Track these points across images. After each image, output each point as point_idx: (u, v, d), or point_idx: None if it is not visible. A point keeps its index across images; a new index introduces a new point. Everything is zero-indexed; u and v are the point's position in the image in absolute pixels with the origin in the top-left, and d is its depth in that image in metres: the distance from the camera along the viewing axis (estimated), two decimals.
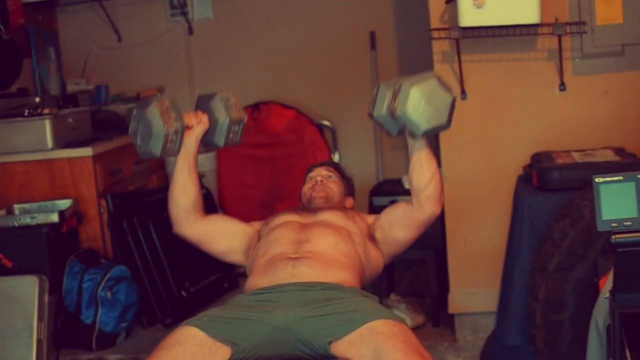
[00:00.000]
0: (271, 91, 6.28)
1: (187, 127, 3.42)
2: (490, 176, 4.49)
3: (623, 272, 2.58)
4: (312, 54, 6.31)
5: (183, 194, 3.45)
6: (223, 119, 3.48)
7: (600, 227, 2.48)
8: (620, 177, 2.47)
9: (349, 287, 3.17)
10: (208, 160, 6.15)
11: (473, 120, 4.48)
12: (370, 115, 3.26)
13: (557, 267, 3.47)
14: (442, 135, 4.53)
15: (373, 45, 6.13)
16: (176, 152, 3.39)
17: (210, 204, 5.79)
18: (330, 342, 2.92)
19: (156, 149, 3.30)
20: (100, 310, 4.95)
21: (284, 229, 3.45)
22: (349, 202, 3.79)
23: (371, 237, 3.49)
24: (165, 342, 3.00)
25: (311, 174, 3.78)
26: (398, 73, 6.10)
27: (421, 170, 3.27)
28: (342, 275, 3.22)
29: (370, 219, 3.57)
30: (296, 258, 3.25)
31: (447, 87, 3.17)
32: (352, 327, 2.92)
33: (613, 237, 2.48)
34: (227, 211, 6.16)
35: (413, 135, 3.19)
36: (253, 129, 6.20)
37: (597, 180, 2.48)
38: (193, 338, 2.97)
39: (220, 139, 3.52)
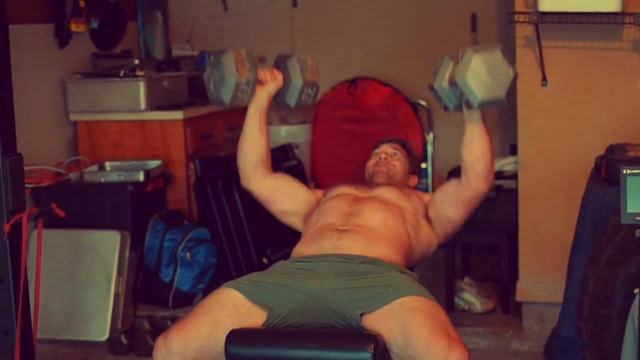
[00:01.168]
0: (369, 67, 6.30)
1: (260, 82, 3.51)
2: (566, 164, 4.46)
3: None
4: (412, 32, 6.31)
5: (252, 148, 3.56)
6: (297, 79, 3.55)
7: (624, 220, 2.45)
8: None
9: (389, 263, 3.20)
10: (303, 132, 6.23)
11: (552, 107, 4.46)
12: (431, 87, 3.27)
13: (607, 260, 3.42)
14: (520, 120, 4.53)
15: (474, 27, 6.09)
16: (246, 103, 3.48)
17: (301, 175, 5.87)
18: (361, 314, 2.95)
19: (226, 96, 3.41)
20: (179, 270, 5.09)
21: (338, 200, 3.51)
22: (413, 180, 3.81)
23: (427, 216, 3.51)
24: (205, 302, 3.09)
25: (377, 150, 3.81)
26: None
27: (472, 147, 3.30)
28: (385, 251, 3.25)
29: (427, 197, 3.60)
30: (343, 230, 3.30)
31: (510, 63, 3.16)
32: (384, 301, 2.95)
33: (638, 230, 2.45)
34: (319, 183, 6.23)
35: (469, 105, 3.18)
36: (349, 104, 6.28)
37: (624, 171, 2.45)
38: (232, 300, 3.05)
39: (291, 99, 3.60)
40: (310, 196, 3.65)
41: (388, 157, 3.74)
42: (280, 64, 3.61)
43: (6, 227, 2.91)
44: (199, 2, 6.64)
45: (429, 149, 6.19)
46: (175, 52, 6.44)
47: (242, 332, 2.95)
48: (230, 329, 2.96)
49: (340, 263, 3.15)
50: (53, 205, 3.03)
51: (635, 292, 2.64)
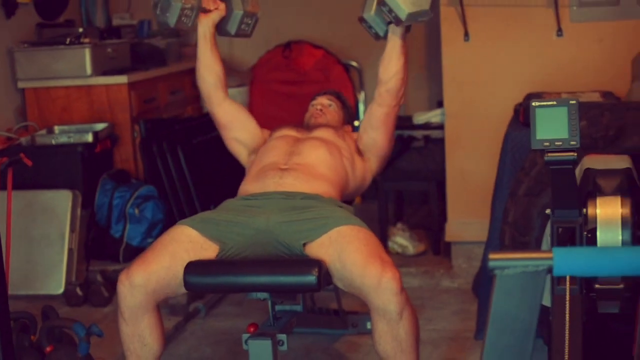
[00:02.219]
0: (303, 31, 6.57)
1: (204, 11, 3.86)
2: (488, 113, 4.79)
3: (558, 189, 2.89)
4: None
5: (208, 70, 3.93)
6: (238, 9, 3.92)
7: (534, 146, 2.78)
8: (554, 102, 2.78)
9: (327, 198, 3.52)
10: (240, 94, 6.47)
11: (474, 61, 4.79)
12: (361, 19, 3.59)
13: (525, 192, 3.77)
14: (445, 73, 4.85)
15: None
16: (189, 27, 3.82)
17: None
18: (304, 244, 3.27)
19: (171, 20, 3.75)
20: (128, 226, 5.35)
21: (280, 141, 3.83)
22: (347, 129, 4.14)
23: (358, 151, 3.86)
24: (163, 238, 3.39)
25: (313, 102, 4.16)
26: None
27: (389, 64, 3.69)
28: (324, 187, 3.57)
29: (356, 135, 3.95)
30: (285, 169, 3.62)
31: None
32: (323, 231, 3.26)
33: (546, 155, 2.79)
34: None
35: (398, 20, 3.53)
36: (284, 66, 6.53)
37: (533, 104, 2.79)
38: (187, 236, 3.35)
39: (232, 28, 3.96)
40: (259, 132, 4.00)
41: (324, 108, 4.08)
42: None
43: None
44: None
45: (361, 107, 6.48)
46: (116, 21, 6.67)
47: (198, 263, 3.24)
48: (187, 262, 3.26)
49: (283, 199, 3.46)
50: (22, 154, 3.30)
51: (547, 212, 2.97)
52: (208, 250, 3.33)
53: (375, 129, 3.83)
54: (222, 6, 3.92)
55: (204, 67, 3.93)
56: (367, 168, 3.86)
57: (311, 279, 3.11)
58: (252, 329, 3.32)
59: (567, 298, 2.86)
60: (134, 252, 5.28)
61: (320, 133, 3.85)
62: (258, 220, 3.35)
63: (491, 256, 1.79)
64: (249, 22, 3.98)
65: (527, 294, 1.81)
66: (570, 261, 1.77)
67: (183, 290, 3.28)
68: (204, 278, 3.22)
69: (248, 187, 3.66)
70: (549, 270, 1.78)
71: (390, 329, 3.08)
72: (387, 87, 3.73)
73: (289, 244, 3.29)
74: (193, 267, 3.22)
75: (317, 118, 4.04)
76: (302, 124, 4.10)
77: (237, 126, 3.96)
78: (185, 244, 3.32)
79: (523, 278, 1.78)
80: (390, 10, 3.49)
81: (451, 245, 5.04)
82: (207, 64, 3.92)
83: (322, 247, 3.22)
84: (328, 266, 3.19)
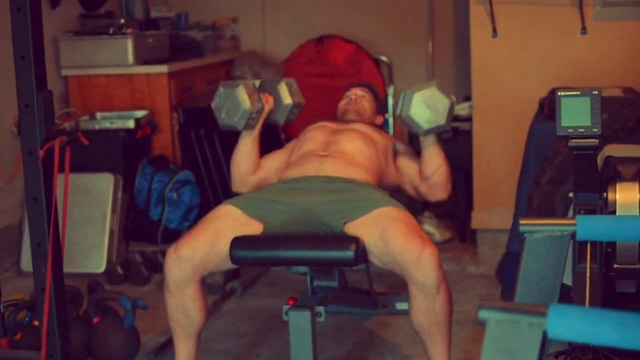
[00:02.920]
0: (334, 26, 6.77)
1: None
2: (514, 107, 5.01)
3: (581, 174, 3.11)
4: None
5: (245, 159, 4.06)
6: (287, 101, 4.15)
7: (559, 132, 3.00)
8: (578, 93, 3.00)
9: (364, 182, 3.74)
10: None
11: (501, 56, 5.00)
12: (400, 118, 3.82)
13: (549, 180, 3.99)
14: (474, 68, 5.07)
15: None
16: (253, 128, 4.02)
17: (273, 127, 6.39)
18: (344, 223, 3.47)
19: (239, 124, 3.95)
20: (166, 209, 5.58)
21: (318, 131, 4.06)
22: (379, 119, 4.38)
23: (393, 155, 4.08)
24: (208, 216, 3.61)
25: (348, 93, 4.38)
26: (453, 15, 6.58)
27: (430, 162, 3.86)
28: (360, 173, 3.79)
29: (393, 141, 4.16)
30: (324, 155, 3.84)
31: (446, 94, 3.73)
32: (364, 211, 3.46)
33: (570, 141, 3.01)
34: (288, 134, 6.74)
35: (417, 134, 3.78)
36: (316, 60, 6.74)
37: (559, 94, 3.01)
38: (231, 214, 3.56)
39: (281, 118, 4.18)
40: (286, 153, 4.16)
41: (358, 98, 4.31)
42: (270, 87, 4.18)
43: (41, 153, 3.38)
44: None
45: (390, 100, 6.68)
46: (154, 13, 6.88)
47: (244, 238, 3.45)
48: (230, 239, 3.46)
49: (323, 183, 3.69)
50: (79, 133, 3.52)
51: (570, 195, 3.19)
52: (251, 227, 3.53)
53: (411, 188, 4.03)
54: (271, 100, 4.11)
55: (242, 155, 4.06)
56: (395, 175, 4.07)
57: (349, 254, 3.32)
58: (291, 302, 3.53)
59: (588, 275, 3.09)
60: (172, 235, 5.53)
61: (356, 126, 4.08)
62: (300, 200, 3.56)
63: (522, 221, 2.01)
64: (296, 111, 4.21)
65: (553, 256, 2.02)
66: (591, 227, 1.99)
67: (226, 265, 3.50)
68: (249, 252, 3.43)
69: (288, 172, 3.89)
70: (573, 235, 1.99)
71: (427, 302, 3.29)
72: (433, 181, 3.89)
73: (329, 222, 3.49)
74: (239, 242, 3.43)
75: (352, 105, 4.26)
76: (335, 115, 4.32)
77: (268, 179, 4.08)
78: (229, 222, 3.52)
79: (550, 242, 1.99)
80: (410, 126, 3.74)
81: (477, 233, 5.25)
82: (247, 152, 4.05)
83: (363, 227, 3.42)
84: (368, 244, 3.38)
